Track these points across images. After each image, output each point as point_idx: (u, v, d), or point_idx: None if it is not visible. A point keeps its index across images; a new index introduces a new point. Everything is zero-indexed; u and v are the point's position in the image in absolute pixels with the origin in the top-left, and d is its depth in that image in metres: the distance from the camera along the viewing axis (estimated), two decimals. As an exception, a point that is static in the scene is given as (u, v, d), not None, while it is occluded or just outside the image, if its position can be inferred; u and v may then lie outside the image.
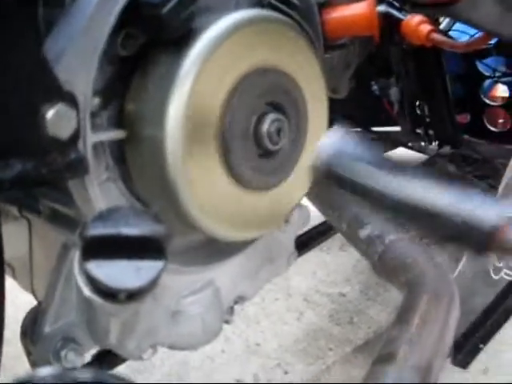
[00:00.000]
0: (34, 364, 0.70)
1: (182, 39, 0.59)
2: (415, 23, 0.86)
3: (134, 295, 0.46)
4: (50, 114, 0.51)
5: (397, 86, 1.23)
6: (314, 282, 1.32)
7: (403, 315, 0.64)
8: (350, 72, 1.03)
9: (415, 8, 0.80)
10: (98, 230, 0.43)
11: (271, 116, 0.64)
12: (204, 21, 0.60)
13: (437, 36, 0.83)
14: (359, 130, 1.37)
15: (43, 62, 0.51)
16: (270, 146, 0.64)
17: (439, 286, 0.67)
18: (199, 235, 0.69)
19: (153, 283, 0.46)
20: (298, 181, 0.71)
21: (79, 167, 0.55)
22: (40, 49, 0.52)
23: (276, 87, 0.65)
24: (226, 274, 0.74)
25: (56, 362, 0.65)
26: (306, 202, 0.86)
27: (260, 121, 0.63)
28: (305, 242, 1.26)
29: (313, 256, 1.38)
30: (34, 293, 0.77)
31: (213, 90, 0.59)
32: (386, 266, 0.74)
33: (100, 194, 0.61)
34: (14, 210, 0.73)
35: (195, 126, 0.58)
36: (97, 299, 0.47)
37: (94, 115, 0.60)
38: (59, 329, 0.66)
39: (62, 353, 0.65)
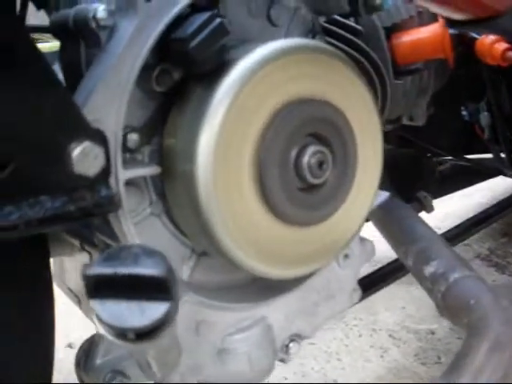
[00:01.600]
0: (87, 394, 0.71)
1: (215, 72, 0.58)
2: (489, 42, 0.80)
3: (143, 335, 0.46)
4: (75, 152, 0.52)
5: (487, 111, 1.15)
6: (401, 318, 1.25)
7: (457, 363, 0.58)
8: (427, 98, 0.97)
9: (455, 25, 0.74)
10: (96, 270, 0.43)
11: (312, 148, 0.61)
12: (241, 52, 0.60)
13: (512, 55, 0.76)
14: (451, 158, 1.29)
15: (69, 102, 0.52)
16: (312, 180, 0.61)
17: (503, 332, 0.60)
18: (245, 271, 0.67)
19: (160, 323, 0.44)
20: (349, 214, 0.68)
21: (109, 204, 0.56)
22: (66, 90, 0.53)
23: (319, 118, 0.62)
24: (278, 311, 0.72)
25: (105, 394, 0.66)
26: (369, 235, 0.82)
27: (301, 153, 0.61)
28: (387, 276, 1.20)
29: (402, 291, 1.32)
30: (95, 324, 0.78)
31: (246, 121, 0.58)
32: (448, 306, 0.69)
33: (142, 228, 0.62)
34: (78, 243, 0.75)
35: (228, 159, 0.57)
36: (110, 337, 0.47)
37: (133, 151, 0.60)
38: (109, 361, 0.66)
39: (111, 385, 0.65)
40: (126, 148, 0.60)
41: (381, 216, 0.88)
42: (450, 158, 1.30)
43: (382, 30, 0.86)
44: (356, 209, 0.68)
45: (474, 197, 1.74)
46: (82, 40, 0.61)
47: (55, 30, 0.65)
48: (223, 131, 0.56)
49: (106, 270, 0.43)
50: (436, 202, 1.27)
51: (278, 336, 0.73)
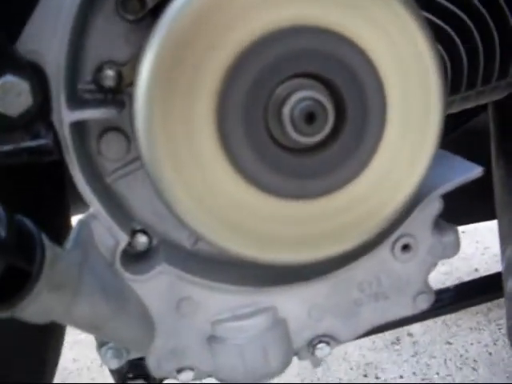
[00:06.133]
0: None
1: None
2: None
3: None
4: (-6, 88, 0.45)
5: None
6: None
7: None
8: None
9: None
10: None
11: (299, 94, 0.45)
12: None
13: None
14: None
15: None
16: (297, 137, 0.45)
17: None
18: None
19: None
20: (378, 186, 0.49)
21: (45, 149, 0.48)
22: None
23: (319, 55, 0.46)
24: (296, 304, 0.57)
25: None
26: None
27: (284, 100, 0.46)
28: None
29: None
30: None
31: (199, 51, 0.44)
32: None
33: (131, 182, 0.55)
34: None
35: (174, 103, 0.45)
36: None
37: (109, 91, 0.52)
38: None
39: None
40: (99, 86, 0.51)
41: (499, 199, 0.65)
42: None
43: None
44: (390, 180, 0.50)
45: None
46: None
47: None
48: (164, 59, 0.44)
49: None
50: None
51: (298, 334, 0.58)
